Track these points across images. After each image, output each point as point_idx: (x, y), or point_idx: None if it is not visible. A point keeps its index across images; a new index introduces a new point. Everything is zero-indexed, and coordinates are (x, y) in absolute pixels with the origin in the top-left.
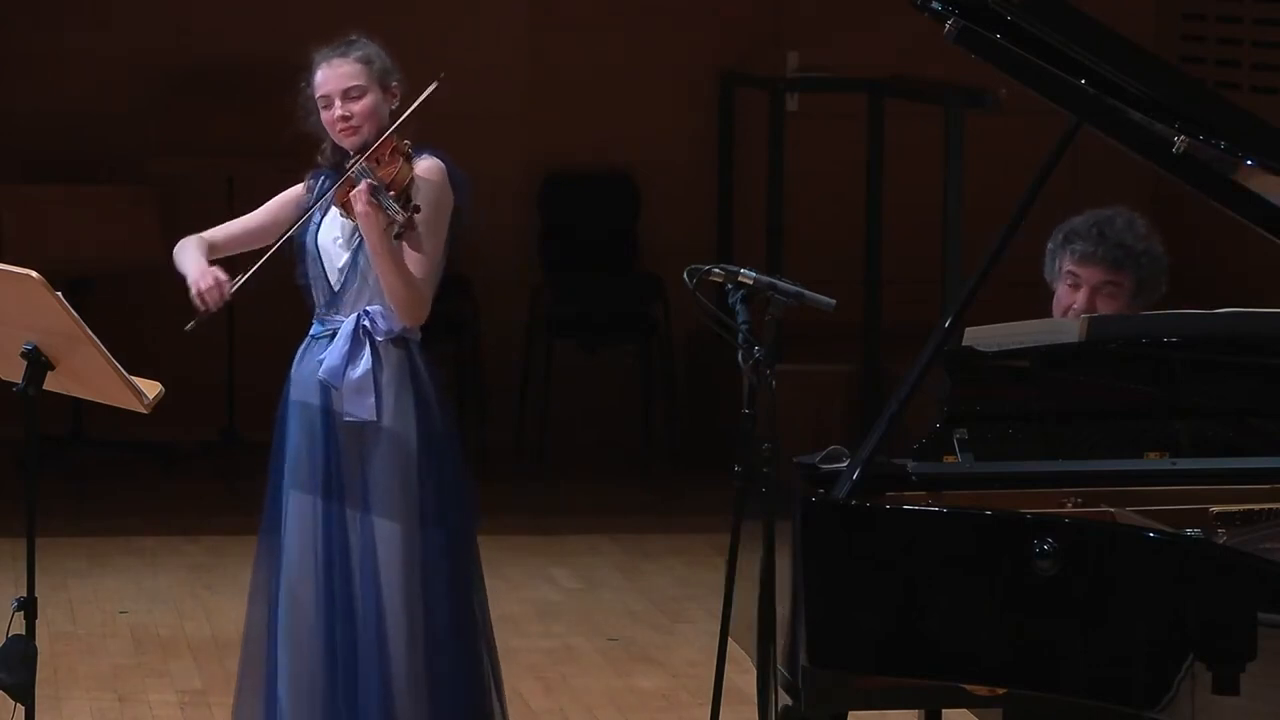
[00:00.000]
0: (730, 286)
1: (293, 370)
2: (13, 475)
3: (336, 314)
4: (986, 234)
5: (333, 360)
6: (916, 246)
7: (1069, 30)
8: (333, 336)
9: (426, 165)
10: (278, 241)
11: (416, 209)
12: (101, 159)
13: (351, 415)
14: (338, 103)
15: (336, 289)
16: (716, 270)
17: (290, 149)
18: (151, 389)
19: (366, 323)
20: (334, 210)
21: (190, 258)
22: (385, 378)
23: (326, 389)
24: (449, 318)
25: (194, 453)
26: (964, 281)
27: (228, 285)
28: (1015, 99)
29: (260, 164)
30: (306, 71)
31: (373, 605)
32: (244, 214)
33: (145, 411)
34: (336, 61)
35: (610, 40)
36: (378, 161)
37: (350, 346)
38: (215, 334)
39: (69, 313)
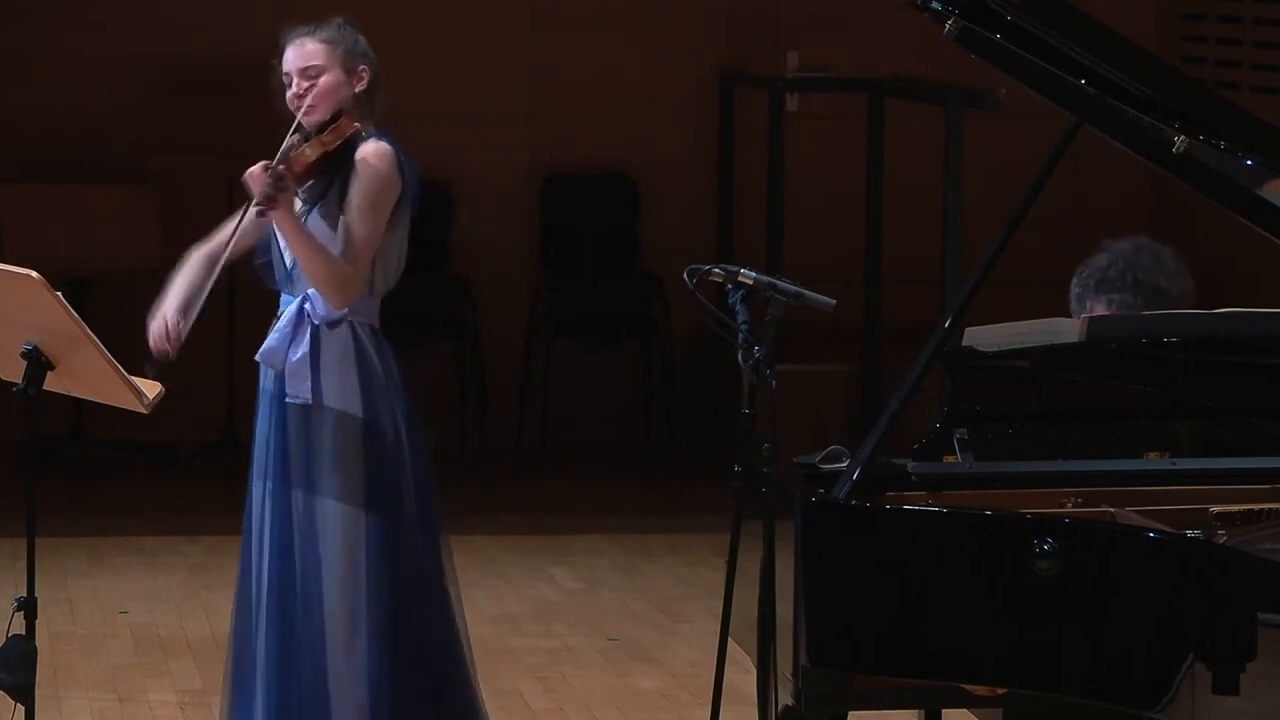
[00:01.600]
0: (730, 286)
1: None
2: (13, 475)
3: (291, 292)
4: (986, 234)
5: (272, 342)
6: (916, 246)
7: (1069, 30)
8: None
9: (374, 149)
10: (215, 272)
11: (282, 190)
12: (101, 159)
13: (291, 397)
14: (295, 80)
15: (289, 266)
16: (716, 270)
17: None
18: (151, 389)
19: (308, 306)
20: None
21: (171, 287)
22: (325, 360)
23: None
24: (449, 318)
25: (194, 453)
26: (964, 281)
27: (178, 328)
28: (1015, 99)
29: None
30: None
31: (315, 586)
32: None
33: (145, 411)
34: (299, 40)
35: (610, 40)
36: (309, 140)
37: (293, 329)
38: (215, 334)
39: (69, 313)
